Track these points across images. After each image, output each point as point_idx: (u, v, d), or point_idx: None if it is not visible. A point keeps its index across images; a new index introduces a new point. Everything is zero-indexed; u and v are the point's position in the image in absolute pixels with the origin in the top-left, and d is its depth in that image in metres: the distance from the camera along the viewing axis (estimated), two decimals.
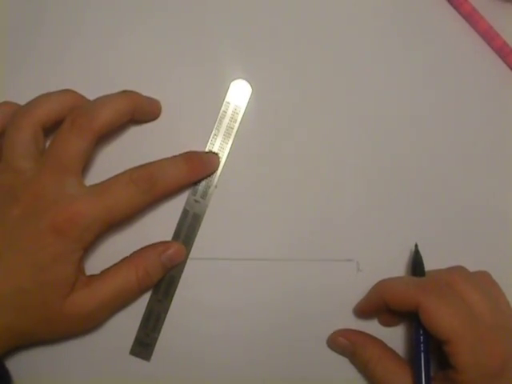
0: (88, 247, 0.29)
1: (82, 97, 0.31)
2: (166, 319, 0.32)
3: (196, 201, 0.33)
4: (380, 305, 0.30)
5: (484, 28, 0.35)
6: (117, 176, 0.29)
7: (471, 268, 0.31)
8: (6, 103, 0.32)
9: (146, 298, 0.32)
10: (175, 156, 0.32)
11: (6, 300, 0.27)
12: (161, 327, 0.32)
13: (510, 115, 0.35)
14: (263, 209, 0.33)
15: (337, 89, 0.35)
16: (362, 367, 0.31)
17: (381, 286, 0.31)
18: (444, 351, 0.28)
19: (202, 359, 0.32)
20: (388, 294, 0.30)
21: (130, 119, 0.31)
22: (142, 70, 0.34)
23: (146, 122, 0.34)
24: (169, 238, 0.33)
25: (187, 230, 0.33)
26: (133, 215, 0.30)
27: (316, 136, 0.34)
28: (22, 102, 0.31)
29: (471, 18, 0.35)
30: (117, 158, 0.33)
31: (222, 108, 0.34)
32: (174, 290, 0.33)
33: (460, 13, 0.36)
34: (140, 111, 0.32)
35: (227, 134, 0.33)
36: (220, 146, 0.33)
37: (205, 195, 0.33)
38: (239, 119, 0.34)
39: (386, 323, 0.32)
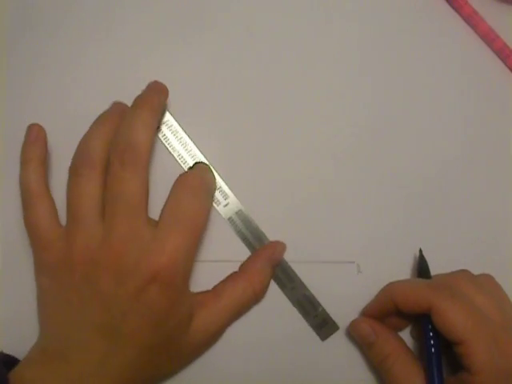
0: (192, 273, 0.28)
1: (113, 117, 0.30)
2: None
3: (225, 205, 0.32)
4: (389, 307, 0.30)
5: (484, 30, 0.35)
6: (175, 193, 0.28)
7: (473, 271, 0.31)
8: (117, 104, 0.32)
9: None
10: (189, 169, 0.32)
11: (139, 363, 0.27)
12: (317, 301, 0.32)
13: (510, 117, 0.35)
14: (263, 210, 0.33)
15: (330, 90, 0.34)
16: (378, 360, 0.30)
17: (390, 288, 0.31)
18: (457, 353, 0.28)
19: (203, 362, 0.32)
20: (399, 295, 0.30)
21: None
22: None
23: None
24: (245, 251, 0.32)
25: (248, 229, 0.32)
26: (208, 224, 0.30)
27: (315, 137, 0.34)
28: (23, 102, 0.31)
29: (472, 20, 0.35)
30: None
31: (159, 135, 0.33)
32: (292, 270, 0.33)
33: (460, 15, 0.36)
34: (161, 110, 0.31)
35: (184, 144, 0.33)
36: (191, 155, 0.33)
37: (226, 195, 0.33)
38: (176, 124, 0.33)
39: (393, 326, 0.32)
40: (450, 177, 0.34)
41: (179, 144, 0.33)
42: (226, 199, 0.32)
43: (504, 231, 0.34)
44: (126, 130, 0.28)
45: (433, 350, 0.29)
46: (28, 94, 0.33)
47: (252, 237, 0.32)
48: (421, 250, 0.32)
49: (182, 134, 0.33)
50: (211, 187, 0.31)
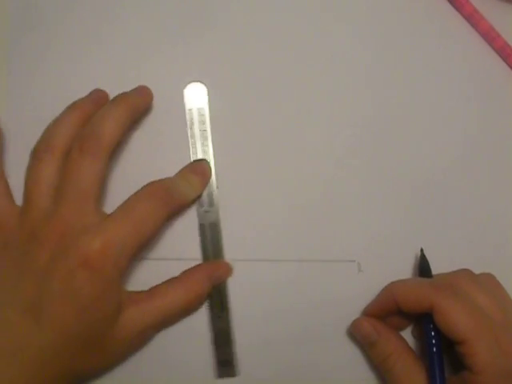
0: (126, 272, 0.28)
1: (87, 107, 0.31)
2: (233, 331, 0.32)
3: (206, 211, 0.33)
4: (391, 307, 0.30)
5: (485, 28, 0.35)
6: (135, 194, 0.29)
7: (475, 270, 0.31)
8: (97, 91, 0.32)
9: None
10: (182, 170, 0.32)
11: (58, 348, 0.26)
12: (232, 340, 0.32)
13: (511, 115, 0.35)
14: (263, 209, 0.33)
15: (330, 90, 0.34)
16: (380, 360, 0.30)
17: (392, 288, 0.31)
18: (459, 353, 0.28)
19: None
20: (400, 295, 0.29)
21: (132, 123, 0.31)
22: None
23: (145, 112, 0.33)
24: (198, 256, 0.32)
25: (212, 242, 0.32)
26: (158, 231, 0.30)
27: (316, 136, 0.34)
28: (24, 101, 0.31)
29: (472, 18, 0.35)
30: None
31: (187, 117, 0.33)
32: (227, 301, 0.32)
33: (461, 13, 0.36)
34: (137, 111, 0.32)
35: (204, 138, 0.33)
36: (203, 150, 0.33)
37: (212, 203, 0.33)
38: (208, 120, 0.33)
39: (395, 326, 0.32)
40: (450, 176, 0.34)
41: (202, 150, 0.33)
42: (209, 206, 0.33)
43: (505, 230, 0.34)
44: (95, 121, 0.29)
45: (434, 349, 0.29)
46: (28, 94, 0.33)
47: (211, 250, 0.32)
48: (422, 250, 0.32)
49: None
50: (176, 199, 0.30)
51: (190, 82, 0.33)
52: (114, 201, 0.29)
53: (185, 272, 0.31)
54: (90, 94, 0.32)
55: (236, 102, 0.34)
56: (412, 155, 0.34)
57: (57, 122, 0.30)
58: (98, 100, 0.32)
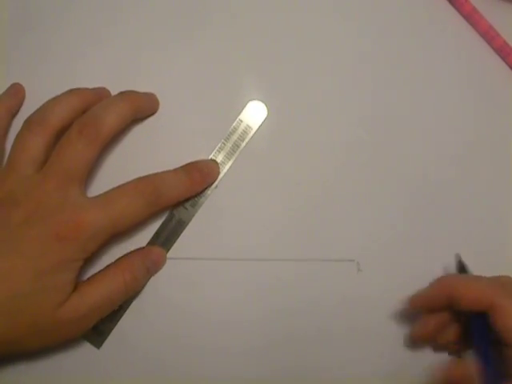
0: (89, 257, 0.29)
1: (88, 95, 0.31)
2: (127, 313, 0.32)
3: (185, 208, 0.33)
4: (442, 301, 0.29)
5: (484, 28, 0.35)
6: (122, 187, 0.29)
7: (475, 270, 0.31)
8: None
9: None
10: (177, 169, 0.32)
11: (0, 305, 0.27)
12: (119, 319, 0.32)
13: (510, 115, 0.35)
14: (264, 208, 0.33)
15: (330, 89, 0.34)
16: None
17: (450, 281, 0.30)
18: (508, 355, 0.27)
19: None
20: (461, 289, 0.29)
21: (132, 121, 0.31)
22: (165, 79, 0.34)
23: (145, 118, 0.34)
24: (149, 237, 0.33)
25: (168, 233, 0.33)
26: (135, 226, 0.30)
27: (315, 136, 0.34)
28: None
29: (472, 18, 0.35)
30: (118, 165, 0.33)
31: (234, 124, 0.33)
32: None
33: (461, 13, 0.35)
34: (140, 111, 0.32)
35: (232, 151, 0.33)
36: (222, 160, 0.33)
37: (194, 204, 0.33)
38: (247, 139, 0.34)
39: (431, 327, 0.31)
40: (450, 175, 0.34)
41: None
42: (192, 206, 0.33)
43: (506, 230, 0.34)
44: (98, 110, 0.29)
45: (484, 349, 0.28)
46: (28, 93, 0.34)
47: (162, 241, 0.33)
48: (459, 256, 0.32)
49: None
50: (162, 199, 0.30)
51: (254, 100, 0.34)
52: None
53: (120, 258, 0.31)
54: (96, 88, 0.32)
55: (236, 101, 0.34)
56: (411, 155, 0.34)
57: (56, 101, 0.30)
58: (100, 92, 0.32)
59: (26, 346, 0.29)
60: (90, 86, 0.32)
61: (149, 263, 0.32)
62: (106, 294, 0.29)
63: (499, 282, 0.29)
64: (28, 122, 0.30)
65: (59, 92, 0.32)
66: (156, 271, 0.32)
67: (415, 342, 0.32)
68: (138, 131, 0.34)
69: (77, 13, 0.35)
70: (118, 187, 0.29)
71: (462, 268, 0.31)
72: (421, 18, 0.35)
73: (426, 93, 0.35)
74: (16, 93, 0.33)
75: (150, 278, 0.32)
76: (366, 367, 0.32)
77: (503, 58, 0.35)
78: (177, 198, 0.31)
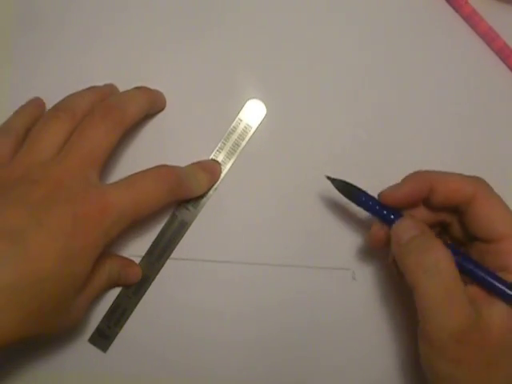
0: (109, 245, 0.28)
1: (107, 93, 0.31)
2: (132, 316, 0.33)
3: (187, 208, 0.33)
4: (418, 194, 0.28)
5: (484, 29, 0.35)
6: (143, 172, 0.29)
7: None
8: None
9: (117, 290, 0.33)
10: (192, 164, 0.32)
11: (25, 287, 0.24)
12: (124, 323, 0.33)
13: (510, 116, 0.35)
14: (260, 215, 0.33)
15: (330, 89, 0.34)
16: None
17: (428, 173, 0.28)
18: (490, 251, 0.26)
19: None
20: (441, 180, 0.27)
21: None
22: (169, 78, 0.34)
23: (154, 114, 0.34)
24: (152, 238, 0.33)
25: (171, 234, 0.33)
26: (155, 213, 0.29)
27: (313, 139, 0.34)
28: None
29: (471, 19, 0.35)
30: (117, 165, 0.33)
31: (233, 123, 0.34)
32: (146, 290, 0.33)
33: (460, 14, 0.35)
34: (153, 106, 0.33)
35: (232, 151, 0.33)
36: (222, 161, 0.33)
37: (197, 204, 0.33)
38: (247, 138, 0.34)
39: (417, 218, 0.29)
40: None
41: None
42: (194, 207, 0.33)
43: None
44: (121, 96, 0.30)
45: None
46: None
47: (163, 243, 0.33)
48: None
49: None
50: (182, 190, 0.30)
51: (253, 98, 0.34)
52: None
53: (108, 252, 0.31)
54: (106, 84, 0.33)
55: (236, 101, 0.34)
56: (409, 159, 0.34)
57: (79, 94, 0.31)
58: (114, 90, 0.33)
59: (46, 330, 0.27)
60: (93, 83, 0.32)
61: (123, 274, 0.32)
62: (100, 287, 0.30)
63: (476, 177, 0.28)
64: (55, 110, 0.30)
65: (64, 90, 0.32)
66: (125, 284, 0.33)
67: (373, 246, 0.30)
68: (138, 131, 0.34)
69: (81, 10, 0.35)
70: (139, 172, 0.29)
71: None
72: (420, 19, 0.35)
73: (426, 94, 0.35)
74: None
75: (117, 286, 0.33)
76: (358, 375, 0.33)
77: (503, 60, 0.35)
78: (196, 192, 0.32)
